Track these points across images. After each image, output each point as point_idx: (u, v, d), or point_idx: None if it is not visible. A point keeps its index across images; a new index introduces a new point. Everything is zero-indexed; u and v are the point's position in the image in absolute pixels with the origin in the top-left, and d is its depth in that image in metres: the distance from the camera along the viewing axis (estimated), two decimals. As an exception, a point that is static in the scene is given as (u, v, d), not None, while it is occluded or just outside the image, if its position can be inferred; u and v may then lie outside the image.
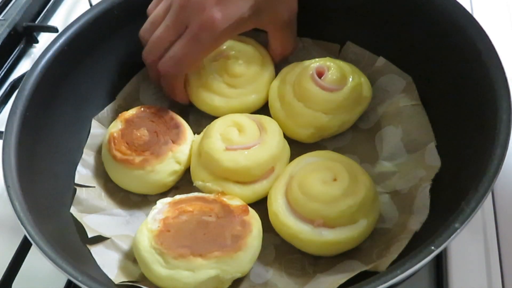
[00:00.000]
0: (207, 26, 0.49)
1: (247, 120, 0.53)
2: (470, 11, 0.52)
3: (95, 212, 0.52)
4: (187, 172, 0.55)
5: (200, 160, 0.52)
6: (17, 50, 0.74)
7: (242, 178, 0.50)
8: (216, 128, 0.53)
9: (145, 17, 0.60)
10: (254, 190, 0.51)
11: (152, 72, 0.56)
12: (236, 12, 0.49)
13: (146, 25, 0.54)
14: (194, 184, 0.53)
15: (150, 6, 0.55)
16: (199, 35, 0.50)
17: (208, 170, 0.52)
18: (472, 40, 0.47)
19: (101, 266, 0.47)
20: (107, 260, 0.48)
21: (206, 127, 0.55)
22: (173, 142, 0.54)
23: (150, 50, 0.54)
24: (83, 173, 0.55)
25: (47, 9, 0.79)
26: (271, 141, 0.51)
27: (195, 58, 0.52)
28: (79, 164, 0.55)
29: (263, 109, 0.58)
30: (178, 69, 0.53)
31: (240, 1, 0.50)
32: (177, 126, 0.55)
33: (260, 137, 0.52)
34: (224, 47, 0.58)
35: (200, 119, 0.59)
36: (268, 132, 0.52)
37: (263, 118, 0.54)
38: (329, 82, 0.53)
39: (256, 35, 0.60)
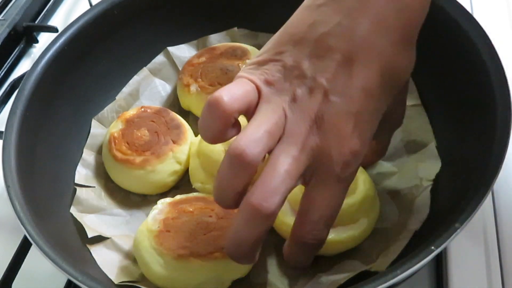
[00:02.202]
0: (350, 163, 0.36)
1: (244, 121, 0.53)
2: (470, 11, 0.52)
3: (95, 212, 0.52)
4: (187, 172, 0.55)
5: (198, 162, 0.52)
6: (17, 50, 0.74)
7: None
8: None
9: (144, 17, 0.60)
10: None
11: (263, 225, 0.36)
12: (371, 132, 0.37)
13: (249, 142, 0.35)
14: (193, 186, 0.53)
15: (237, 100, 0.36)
16: (342, 176, 0.36)
17: (207, 172, 0.52)
18: (472, 40, 0.47)
19: (101, 266, 0.47)
20: (107, 260, 0.47)
21: None
22: (174, 142, 0.54)
23: (276, 190, 0.34)
24: (83, 173, 0.55)
25: (47, 9, 0.79)
26: None
27: (341, 205, 0.38)
28: (79, 164, 0.55)
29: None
30: (327, 231, 0.38)
31: (373, 116, 0.37)
32: (177, 126, 0.55)
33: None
34: None
35: (200, 119, 0.59)
36: None
37: None
38: None
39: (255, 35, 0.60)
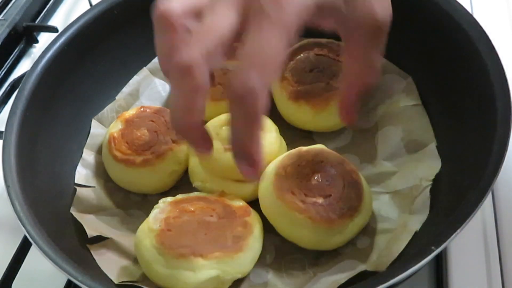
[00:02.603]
0: (280, 1, 0.32)
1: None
2: (470, 11, 0.52)
3: (95, 212, 0.52)
4: (187, 172, 0.55)
5: (198, 160, 0.52)
6: (17, 50, 0.74)
7: (241, 176, 0.50)
8: (212, 128, 0.53)
9: (145, 17, 0.60)
10: (254, 188, 0.51)
11: (200, 85, 0.34)
12: None
13: (177, 6, 0.35)
14: (193, 185, 0.53)
15: None
16: (274, 16, 0.32)
17: (207, 170, 0.52)
18: (472, 40, 0.47)
19: (101, 266, 0.47)
20: (107, 260, 0.47)
21: None
22: (173, 142, 0.54)
23: (206, 46, 0.33)
24: (83, 173, 0.55)
25: (47, 9, 0.79)
26: (268, 138, 0.51)
27: (281, 54, 0.33)
28: (79, 164, 0.55)
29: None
30: (258, 80, 0.33)
31: None
32: (177, 126, 0.55)
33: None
34: None
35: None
36: (264, 129, 0.52)
37: None
38: None
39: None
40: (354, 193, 0.47)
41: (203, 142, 0.38)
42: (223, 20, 0.33)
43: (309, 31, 0.37)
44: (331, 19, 0.37)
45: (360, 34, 0.38)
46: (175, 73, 0.34)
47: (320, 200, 0.46)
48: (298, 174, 0.47)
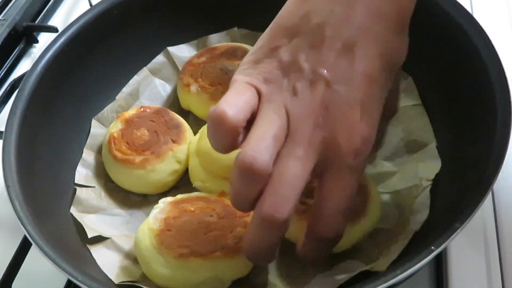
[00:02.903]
0: (361, 151, 0.35)
1: None
2: (470, 11, 0.52)
3: (95, 212, 0.52)
4: (187, 172, 0.55)
5: (198, 160, 0.52)
6: (17, 50, 0.74)
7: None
8: None
9: (144, 17, 0.60)
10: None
11: (277, 232, 0.36)
12: (378, 118, 0.36)
13: (258, 151, 0.33)
14: (193, 185, 0.53)
15: (234, 113, 0.34)
16: (355, 165, 0.35)
17: (207, 170, 0.52)
18: (472, 40, 0.47)
19: (101, 266, 0.47)
20: (107, 260, 0.47)
21: (202, 127, 0.55)
22: (174, 141, 0.54)
23: (287, 198, 0.34)
24: (83, 173, 0.55)
25: (47, 9, 0.79)
26: None
27: (354, 198, 0.37)
28: (79, 164, 0.55)
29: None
30: (344, 223, 0.37)
31: (378, 102, 0.36)
32: (177, 126, 0.55)
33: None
34: None
35: (200, 118, 0.59)
36: None
37: None
38: None
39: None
40: (359, 196, 0.45)
41: None
42: (302, 169, 0.34)
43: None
44: None
45: (384, 117, 0.40)
46: (269, 225, 0.35)
47: None
48: None
